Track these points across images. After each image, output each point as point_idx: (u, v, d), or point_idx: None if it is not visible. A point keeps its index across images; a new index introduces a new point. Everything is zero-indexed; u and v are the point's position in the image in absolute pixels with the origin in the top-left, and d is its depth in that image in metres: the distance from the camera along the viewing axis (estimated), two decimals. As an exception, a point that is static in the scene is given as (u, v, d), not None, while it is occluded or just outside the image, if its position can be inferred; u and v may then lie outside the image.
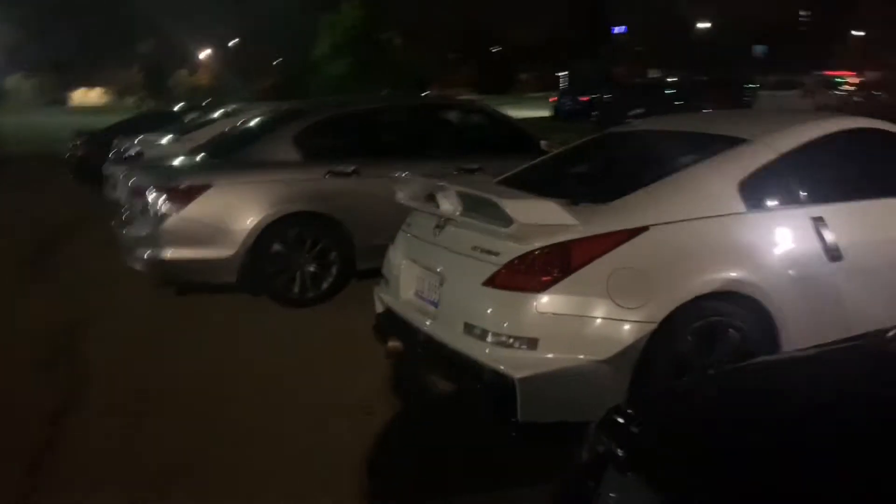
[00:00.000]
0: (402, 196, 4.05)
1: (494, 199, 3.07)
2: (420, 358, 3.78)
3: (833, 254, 3.33)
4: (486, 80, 57.76)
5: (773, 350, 3.26)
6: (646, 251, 3.11)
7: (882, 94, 19.85)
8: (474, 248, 3.29)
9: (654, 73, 47.11)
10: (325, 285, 5.77)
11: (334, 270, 5.78)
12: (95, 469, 3.34)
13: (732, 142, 3.55)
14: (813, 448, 1.45)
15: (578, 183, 3.90)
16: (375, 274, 5.81)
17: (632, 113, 19.43)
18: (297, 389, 4.16)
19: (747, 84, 24.92)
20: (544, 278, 3.04)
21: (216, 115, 11.19)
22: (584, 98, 27.27)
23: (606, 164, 4.18)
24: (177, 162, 6.21)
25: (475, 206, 3.37)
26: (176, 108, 16.22)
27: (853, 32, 46.58)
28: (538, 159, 4.51)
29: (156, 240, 5.46)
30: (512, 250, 3.13)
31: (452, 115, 6.90)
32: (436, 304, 3.47)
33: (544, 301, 3.02)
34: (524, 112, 23.90)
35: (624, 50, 58.38)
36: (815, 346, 2.11)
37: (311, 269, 5.72)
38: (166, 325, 5.36)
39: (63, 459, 3.47)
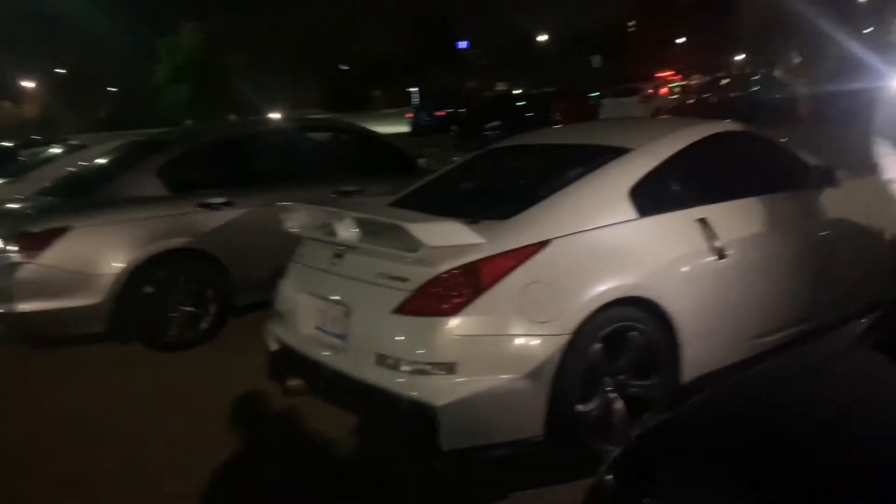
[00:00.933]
0: (290, 225, 3.89)
1: (398, 223, 2.99)
2: (328, 394, 3.62)
3: (719, 252, 3.51)
4: (336, 98, 57.52)
5: (672, 351, 3.38)
6: (551, 264, 3.13)
7: (711, 95, 21.47)
8: (380, 275, 3.19)
9: (501, 87, 48.73)
10: (203, 325, 5.44)
11: (212, 309, 5.47)
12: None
13: (617, 151, 3.66)
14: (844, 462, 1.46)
15: (472, 201, 3.88)
16: (254, 309, 5.64)
17: (489, 125, 19.96)
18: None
19: (591, 93, 26.26)
20: (457, 300, 2.99)
21: (56, 150, 10.38)
22: (440, 113, 27.69)
23: (496, 181, 4.20)
24: (25, 205, 5.66)
25: (375, 232, 3.27)
26: (7, 145, 14.91)
27: (676, 40, 50.39)
28: (426, 178, 4.46)
29: (10, 292, 4.93)
30: (421, 275, 3.05)
31: (324, 137, 6.73)
32: (342, 337, 3.33)
33: (459, 324, 2.96)
34: (382, 128, 23.83)
35: (470, 65, 60.06)
36: (797, 350, 2.14)
37: (188, 309, 5.37)
38: (24, 387, 4.85)
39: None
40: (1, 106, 53.51)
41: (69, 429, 4.13)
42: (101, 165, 6.23)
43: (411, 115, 31.17)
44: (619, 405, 3.26)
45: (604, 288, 3.16)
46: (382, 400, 3.07)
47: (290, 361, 3.76)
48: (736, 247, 3.57)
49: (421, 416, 2.91)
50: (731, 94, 20.57)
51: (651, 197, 3.49)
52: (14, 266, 4.93)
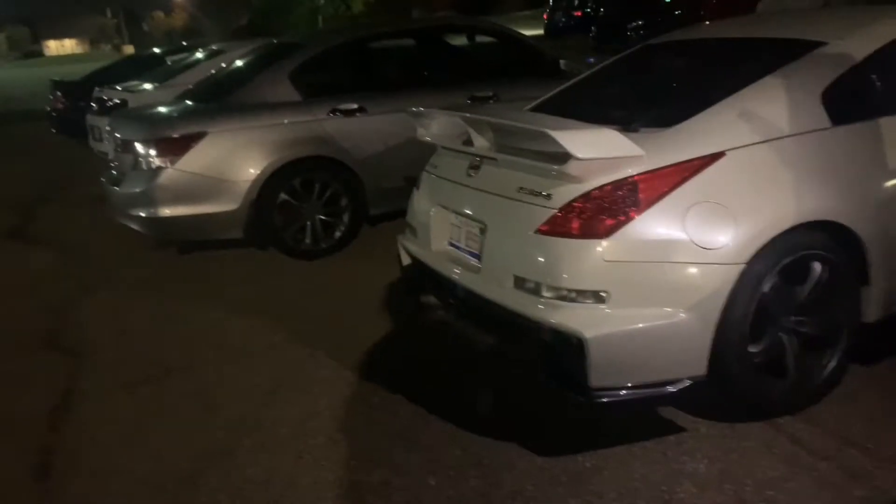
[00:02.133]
0: (424, 133, 3.59)
1: (546, 131, 2.60)
2: (460, 314, 3.39)
3: (929, 170, 2.90)
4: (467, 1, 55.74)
5: (860, 284, 2.88)
6: (724, 181, 2.67)
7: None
8: (521, 190, 2.85)
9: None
10: (337, 234, 5.35)
11: (346, 218, 5.35)
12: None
13: (805, 46, 3.06)
14: None
15: (627, 106, 3.41)
16: (387, 219, 5.49)
17: (631, 26, 18.60)
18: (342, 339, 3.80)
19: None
20: (609, 221, 2.61)
21: (199, 56, 10.52)
22: (578, 13, 26.15)
23: (655, 82, 3.68)
24: (165, 109, 5.68)
25: (518, 141, 2.91)
26: (156, 52, 15.42)
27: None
28: (571, 81, 4.01)
29: (151, 196, 4.99)
30: (568, 190, 2.69)
31: (459, 38, 6.31)
32: (477, 256, 3.05)
33: (611, 247, 2.59)
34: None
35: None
36: None
37: (322, 217, 5.28)
38: (177, 289, 4.97)
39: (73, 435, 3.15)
40: (154, 16, 55.98)
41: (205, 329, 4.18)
42: (236, 70, 6.13)
43: (546, 15, 29.65)
44: (793, 344, 2.83)
45: (787, 210, 2.68)
46: (520, 326, 2.79)
47: (422, 277, 3.55)
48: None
49: (567, 347, 2.61)
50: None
51: (848, 101, 2.91)
52: (154, 171, 4.97)
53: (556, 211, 2.69)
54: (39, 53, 58.58)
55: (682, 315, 2.59)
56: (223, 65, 6.64)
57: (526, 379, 3.25)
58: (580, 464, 2.70)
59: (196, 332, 4.23)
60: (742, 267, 2.61)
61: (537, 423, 2.96)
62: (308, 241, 5.27)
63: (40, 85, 16.26)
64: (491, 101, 5.56)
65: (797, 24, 3.50)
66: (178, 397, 3.48)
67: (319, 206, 5.27)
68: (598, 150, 2.63)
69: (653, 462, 2.67)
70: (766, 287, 2.68)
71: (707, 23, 4.87)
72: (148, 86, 9.26)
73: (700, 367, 2.65)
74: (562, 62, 5.97)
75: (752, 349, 2.74)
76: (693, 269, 2.59)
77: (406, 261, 3.74)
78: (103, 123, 7.44)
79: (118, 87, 9.31)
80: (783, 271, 2.72)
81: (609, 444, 2.78)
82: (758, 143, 2.74)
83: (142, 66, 11.76)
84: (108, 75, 11.58)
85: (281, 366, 3.70)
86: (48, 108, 12.74)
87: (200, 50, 11.22)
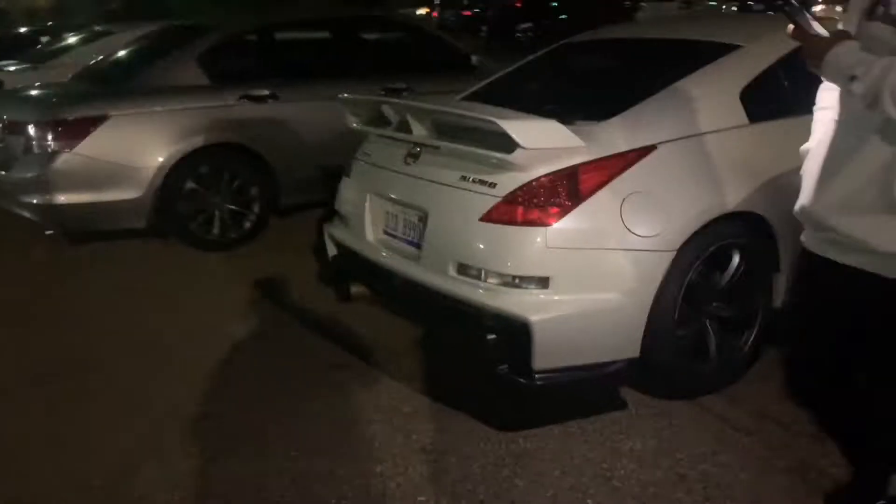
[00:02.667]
0: (354, 120, 3.56)
1: (494, 119, 2.65)
2: (395, 302, 3.39)
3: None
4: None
5: (772, 272, 3.11)
6: (657, 172, 2.81)
7: None
8: (464, 178, 2.88)
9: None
10: (247, 225, 5.20)
11: (256, 208, 5.21)
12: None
13: (724, 48, 3.26)
14: None
15: (556, 100, 3.51)
16: (297, 211, 5.40)
17: (521, 27, 19.10)
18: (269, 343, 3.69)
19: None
20: (553, 209, 2.69)
21: (81, 36, 9.89)
22: (467, 13, 26.53)
23: (581, 78, 3.82)
24: (60, 90, 5.32)
25: (459, 130, 2.94)
26: (23, 31, 14.35)
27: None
28: (496, 76, 4.08)
29: (46, 182, 4.66)
30: (512, 179, 2.75)
31: (371, 30, 6.27)
32: (416, 244, 3.06)
33: (554, 234, 2.67)
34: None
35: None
36: None
37: (231, 207, 5.12)
38: (74, 282, 4.67)
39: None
40: (12, -8, 52.06)
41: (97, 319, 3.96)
42: (136, 52, 5.83)
43: (436, 13, 29.90)
44: (715, 328, 3.02)
45: (712, 201, 2.85)
46: (464, 312, 2.83)
47: (353, 267, 3.52)
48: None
49: (512, 331, 2.67)
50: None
51: (763, 100, 3.12)
52: (50, 155, 4.65)
53: (500, 199, 2.75)
54: None
55: (620, 299, 2.71)
56: (121, 46, 6.26)
57: (461, 364, 3.29)
58: (521, 445, 2.77)
59: (101, 326, 3.99)
60: (673, 254, 2.75)
61: (475, 407, 3.00)
62: (216, 231, 5.10)
63: None
64: (404, 94, 5.56)
65: (712, 28, 3.72)
66: (94, 393, 3.28)
67: (228, 195, 5.10)
68: (543, 140, 2.70)
69: (591, 441, 2.77)
70: (693, 274, 2.85)
71: (626, 25, 5.08)
72: (23, 66, 8.64)
73: (634, 350, 2.78)
74: (473, 58, 6.05)
75: (680, 332, 2.90)
76: (629, 256, 2.71)
77: (333, 250, 3.69)
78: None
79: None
80: (708, 259, 2.90)
81: (546, 425, 2.87)
82: (686, 137, 2.91)
83: (9, 46, 10.94)
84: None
85: (200, 358, 3.56)
86: None
87: (79, 31, 10.57)
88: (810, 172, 2.08)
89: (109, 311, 4.18)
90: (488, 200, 2.77)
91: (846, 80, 1.78)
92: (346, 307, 3.88)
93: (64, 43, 9.66)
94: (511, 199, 2.73)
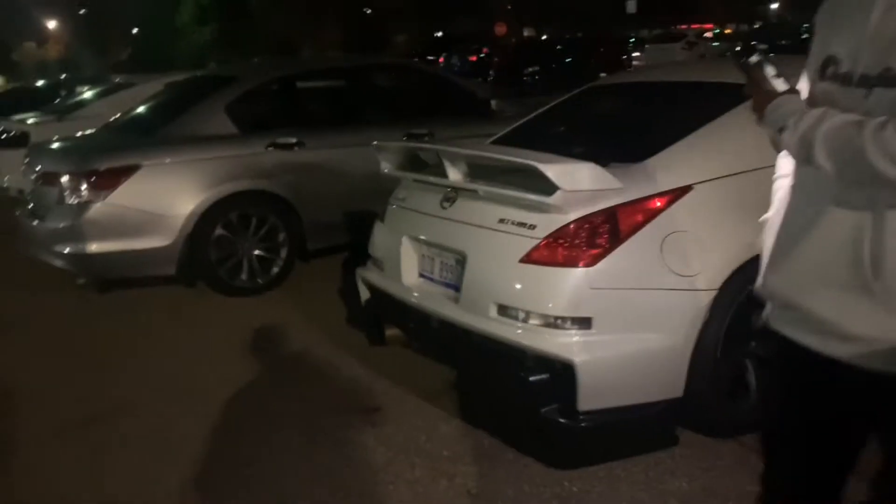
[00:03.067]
0: (388, 166, 3.62)
1: (533, 163, 2.71)
2: (432, 345, 3.41)
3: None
4: (357, 42, 55.98)
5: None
6: (694, 212, 2.85)
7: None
8: (502, 221, 2.93)
9: (527, 32, 47.40)
10: (274, 270, 5.25)
11: (284, 253, 5.27)
12: None
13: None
14: None
15: (587, 143, 3.58)
16: (320, 255, 5.45)
17: (527, 71, 19.40)
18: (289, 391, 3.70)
19: (629, 39, 25.44)
20: (593, 250, 2.73)
21: (96, 90, 10.10)
22: (473, 58, 26.99)
23: (610, 121, 3.89)
24: (92, 141, 5.43)
25: (494, 174, 3.00)
26: (40, 85, 14.70)
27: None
28: (522, 120, 4.16)
29: (78, 231, 4.75)
30: (552, 221, 2.79)
31: (393, 78, 6.41)
32: (455, 287, 3.10)
33: (596, 275, 2.71)
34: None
35: (494, 9, 58.23)
36: None
37: (259, 253, 5.18)
38: (105, 328, 4.70)
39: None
40: (25, 47, 53.18)
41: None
42: (164, 102, 5.96)
43: (441, 59, 30.42)
44: (753, 366, 3.03)
45: (752, 238, 2.88)
46: (505, 354, 2.85)
47: (387, 309, 3.55)
48: None
49: (556, 372, 2.69)
50: (782, 42, 19.77)
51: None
52: (82, 205, 4.74)
53: (541, 240, 2.79)
54: None
55: (662, 339, 2.73)
56: (148, 97, 6.40)
57: (498, 407, 3.29)
58: (567, 489, 2.76)
59: (132, 372, 4.01)
60: (715, 293, 2.78)
61: (518, 450, 3.00)
62: (244, 276, 5.15)
63: None
64: (426, 139, 5.66)
65: (734, 71, 3.79)
66: (126, 438, 3.29)
67: (256, 241, 5.17)
68: (582, 182, 2.75)
69: (637, 482, 2.76)
70: (733, 312, 2.87)
71: (646, 68, 5.20)
72: (47, 118, 8.82)
73: (677, 389, 2.79)
74: (493, 102, 6.17)
75: (722, 371, 2.91)
76: (671, 295, 2.74)
77: (365, 294, 3.73)
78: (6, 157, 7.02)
79: (13, 119, 8.82)
80: (749, 296, 2.91)
81: (591, 467, 2.86)
82: (721, 177, 2.95)
83: (28, 99, 11.20)
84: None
85: (232, 404, 3.57)
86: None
87: (99, 82, 10.81)
88: (770, 245, 1.83)
89: (141, 355, 4.22)
90: (528, 242, 2.82)
91: (776, 132, 1.59)
92: (376, 351, 3.89)
93: (85, 95, 9.86)
94: (551, 241, 2.77)
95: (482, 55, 26.49)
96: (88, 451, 3.20)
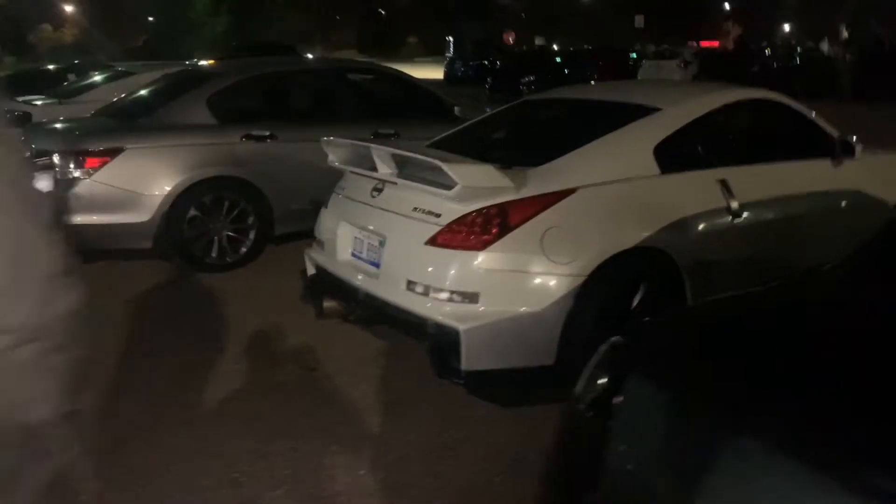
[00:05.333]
0: (334, 159, 4.15)
1: (436, 162, 3.25)
2: (360, 315, 3.94)
3: (734, 213, 3.74)
4: (368, 42, 56.53)
5: (677, 299, 3.63)
6: (575, 211, 3.38)
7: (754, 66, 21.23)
8: (415, 210, 3.46)
9: (539, 41, 48.04)
10: (242, 250, 5.78)
11: (252, 235, 5.80)
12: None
13: (646, 110, 3.86)
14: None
15: (504, 148, 4.12)
16: (291, 239, 5.96)
17: (524, 80, 19.94)
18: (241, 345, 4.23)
19: (631, 54, 26.00)
20: (484, 237, 3.26)
21: (99, 77, 10.67)
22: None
23: (529, 131, 4.42)
24: (84, 124, 5.98)
25: (414, 170, 3.53)
26: (50, 68, 15.25)
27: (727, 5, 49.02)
28: (462, 125, 4.70)
29: (65, 204, 5.28)
30: (453, 211, 3.32)
31: (366, 80, 6.95)
32: (376, 265, 3.63)
33: (484, 258, 3.24)
34: (418, 75, 23.78)
35: (509, 16, 58.84)
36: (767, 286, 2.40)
37: (229, 234, 5.71)
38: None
39: None
40: (41, 29, 53.71)
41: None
42: (153, 91, 6.50)
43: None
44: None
45: (621, 236, 3.41)
46: (411, 322, 3.38)
47: (326, 285, 4.08)
48: (751, 208, 3.80)
49: (445, 337, 3.21)
50: (776, 65, 20.33)
51: (674, 155, 3.70)
52: (71, 181, 5.27)
53: (443, 227, 3.32)
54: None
55: (537, 314, 3.25)
56: (141, 86, 6.95)
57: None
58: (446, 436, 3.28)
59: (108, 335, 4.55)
60: (584, 279, 3.30)
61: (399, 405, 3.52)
62: (214, 254, 5.67)
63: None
64: (392, 138, 6.19)
65: (643, 93, 4.34)
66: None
67: (227, 222, 5.69)
68: (479, 180, 3.29)
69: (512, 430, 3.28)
70: (603, 294, 3.39)
71: (579, 85, 5.73)
72: (50, 101, 9.38)
73: (550, 357, 3.32)
74: (456, 108, 6.70)
75: (592, 346, 3.41)
76: (547, 278, 3.27)
77: (311, 271, 4.26)
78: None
79: (18, 100, 9.36)
80: (615, 284, 3.44)
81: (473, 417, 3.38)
82: (602, 183, 3.48)
83: (37, 81, 11.74)
84: None
85: (186, 357, 4.10)
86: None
87: (103, 70, 11.37)
88: None
89: (114, 322, 4.75)
90: (433, 228, 3.35)
91: None
92: (322, 323, 4.41)
93: (88, 81, 10.42)
94: (452, 227, 3.31)
95: (484, 62, 27.04)
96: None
